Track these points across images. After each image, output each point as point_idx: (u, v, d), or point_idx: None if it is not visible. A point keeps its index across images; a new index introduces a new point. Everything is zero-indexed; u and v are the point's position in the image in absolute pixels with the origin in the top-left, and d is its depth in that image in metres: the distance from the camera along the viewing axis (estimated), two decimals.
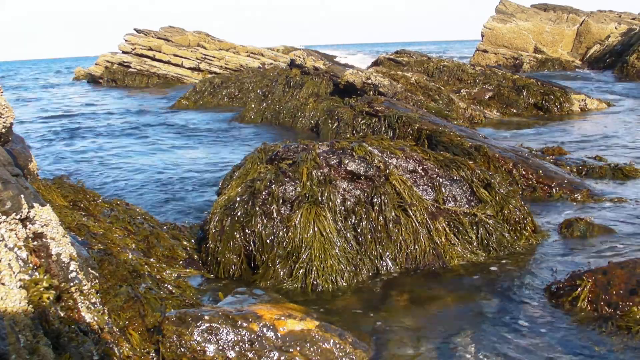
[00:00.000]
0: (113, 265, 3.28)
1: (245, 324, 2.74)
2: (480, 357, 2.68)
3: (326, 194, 4.00)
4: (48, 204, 2.31)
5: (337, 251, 3.80)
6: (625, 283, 3.14)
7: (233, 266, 3.99)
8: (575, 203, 5.15)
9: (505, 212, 4.28)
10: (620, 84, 15.76)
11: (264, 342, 2.70)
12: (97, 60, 28.80)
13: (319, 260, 3.73)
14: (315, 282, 3.66)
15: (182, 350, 2.65)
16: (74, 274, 2.21)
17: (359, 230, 3.98)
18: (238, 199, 4.14)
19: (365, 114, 8.43)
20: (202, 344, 2.66)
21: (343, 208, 4.05)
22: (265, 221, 3.95)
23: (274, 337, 2.73)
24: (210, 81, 15.68)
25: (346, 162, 4.27)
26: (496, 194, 4.37)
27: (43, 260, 2.12)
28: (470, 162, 4.71)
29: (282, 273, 3.80)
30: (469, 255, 3.99)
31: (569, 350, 2.69)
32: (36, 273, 2.00)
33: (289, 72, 14.04)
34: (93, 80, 28.78)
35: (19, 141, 4.45)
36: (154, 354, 2.62)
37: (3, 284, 1.79)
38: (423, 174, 4.42)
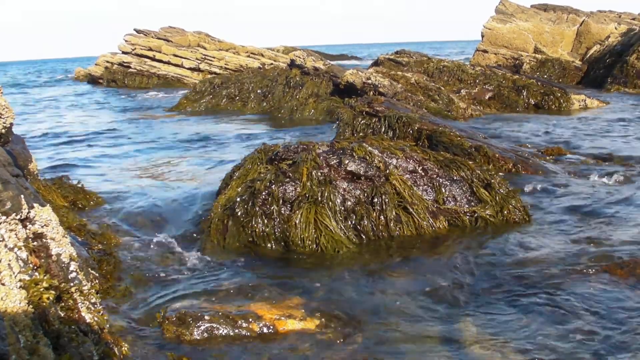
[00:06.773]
0: (113, 265, 3.28)
1: (245, 324, 2.74)
2: (481, 331, 2.69)
3: (326, 194, 4.00)
4: (48, 204, 2.31)
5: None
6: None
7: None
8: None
9: (505, 212, 4.29)
10: (626, 96, 15.70)
11: None
12: (97, 60, 28.74)
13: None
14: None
15: None
16: (74, 274, 2.21)
17: (359, 230, 3.98)
18: (238, 199, 4.14)
19: (365, 114, 8.42)
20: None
21: (343, 208, 4.05)
22: (265, 221, 3.95)
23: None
24: (210, 81, 15.66)
25: (346, 162, 4.26)
26: (496, 194, 4.37)
27: (43, 260, 2.12)
28: (470, 162, 4.71)
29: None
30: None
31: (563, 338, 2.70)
32: (36, 273, 2.00)
33: (289, 72, 14.04)
34: (93, 81, 28.73)
35: (19, 141, 4.45)
36: None
37: (3, 284, 1.79)
38: (423, 174, 4.42)
